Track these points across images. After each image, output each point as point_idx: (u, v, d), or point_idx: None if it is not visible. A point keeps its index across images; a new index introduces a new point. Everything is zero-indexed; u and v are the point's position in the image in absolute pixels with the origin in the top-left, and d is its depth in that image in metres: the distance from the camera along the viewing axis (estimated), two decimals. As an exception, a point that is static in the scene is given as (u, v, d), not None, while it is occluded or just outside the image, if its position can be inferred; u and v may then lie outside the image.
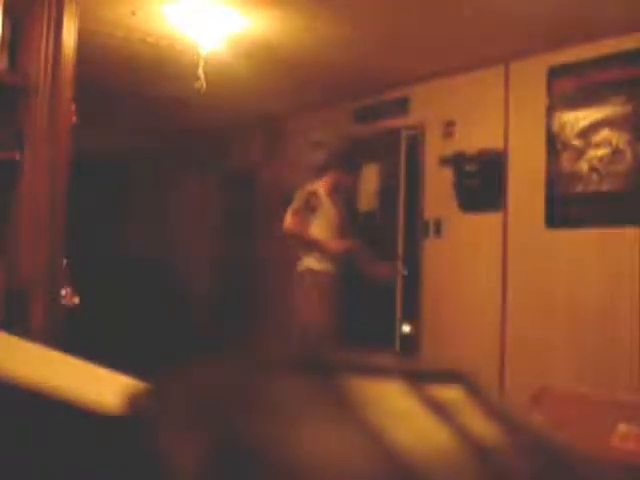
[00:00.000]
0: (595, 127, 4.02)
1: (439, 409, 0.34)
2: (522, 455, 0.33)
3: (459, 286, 4.79)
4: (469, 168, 4.68)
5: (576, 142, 4.11)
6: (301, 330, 4.30)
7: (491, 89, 4.64)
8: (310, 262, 4.30)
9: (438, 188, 4.95)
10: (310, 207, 4.29)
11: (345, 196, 4.66)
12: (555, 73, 4.24)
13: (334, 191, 4.41)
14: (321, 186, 4.39)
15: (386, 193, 5.37)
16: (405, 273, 4.94)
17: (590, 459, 0.34)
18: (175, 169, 8.55)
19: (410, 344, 5.03)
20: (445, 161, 4.87)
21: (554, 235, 4.22)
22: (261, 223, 6.54)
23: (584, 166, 4.06)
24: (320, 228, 4.32)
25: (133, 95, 5.93)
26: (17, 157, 2.36)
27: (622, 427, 2.34)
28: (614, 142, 3.93)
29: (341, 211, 4.51)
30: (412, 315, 5.08)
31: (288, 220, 4.26)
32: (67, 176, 2.48)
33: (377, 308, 5.23)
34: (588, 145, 4.05)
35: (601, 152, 3.98)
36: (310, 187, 4.37)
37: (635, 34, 3.83)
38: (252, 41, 4.37)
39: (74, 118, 2.55)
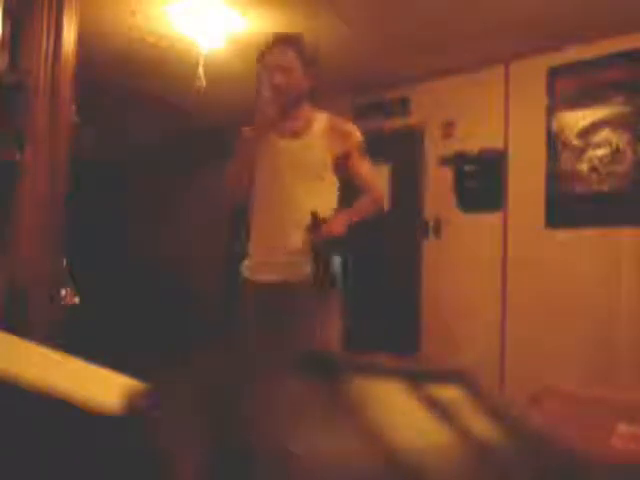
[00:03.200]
0: (595, 127, 4.02)
1: (439, 409, 0.34)
2: (521, 454, 0.33)
3: (459, 286, 4.79)
4: (469, 168, 4.68)
5: (576, 142, 4.11)
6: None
7: (491, 89, 4.64)
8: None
9: (438, 188, 4.95)
10: (245, 157, 2.63)
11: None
12: (555, 73, 4.24)
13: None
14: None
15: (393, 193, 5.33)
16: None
17: (589, 459, 0.34)
18: (175, 168, 8.55)
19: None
20: (445, 161, 4.87)
21: (554, 235, 4.22)
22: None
23: (584, 166, 4.06)
24: (258, 185, 2.66)
25: (133, 95, 5.93)
26: (17, 157, 2.36)
27: (622, 427, 2.34)
28: (614, 142, 3.93)
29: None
30: (412, 315, 5.08)
31: None
32: (67, 176, 2.48)
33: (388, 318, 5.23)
34: (588, 145, 4.05)
35: (601, 152, 3.98)
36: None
37: (635, 34, 3.83)
38: (252, 41, 4.37)
39: (74, 118, 2.55)
